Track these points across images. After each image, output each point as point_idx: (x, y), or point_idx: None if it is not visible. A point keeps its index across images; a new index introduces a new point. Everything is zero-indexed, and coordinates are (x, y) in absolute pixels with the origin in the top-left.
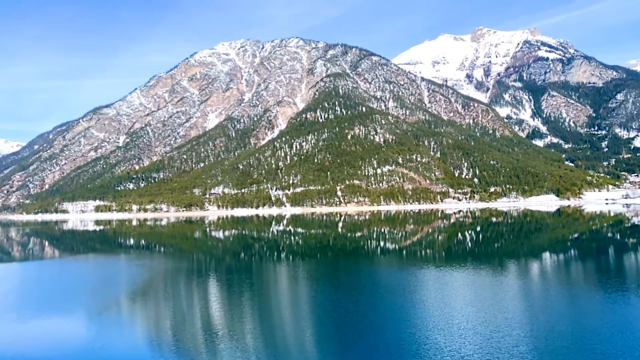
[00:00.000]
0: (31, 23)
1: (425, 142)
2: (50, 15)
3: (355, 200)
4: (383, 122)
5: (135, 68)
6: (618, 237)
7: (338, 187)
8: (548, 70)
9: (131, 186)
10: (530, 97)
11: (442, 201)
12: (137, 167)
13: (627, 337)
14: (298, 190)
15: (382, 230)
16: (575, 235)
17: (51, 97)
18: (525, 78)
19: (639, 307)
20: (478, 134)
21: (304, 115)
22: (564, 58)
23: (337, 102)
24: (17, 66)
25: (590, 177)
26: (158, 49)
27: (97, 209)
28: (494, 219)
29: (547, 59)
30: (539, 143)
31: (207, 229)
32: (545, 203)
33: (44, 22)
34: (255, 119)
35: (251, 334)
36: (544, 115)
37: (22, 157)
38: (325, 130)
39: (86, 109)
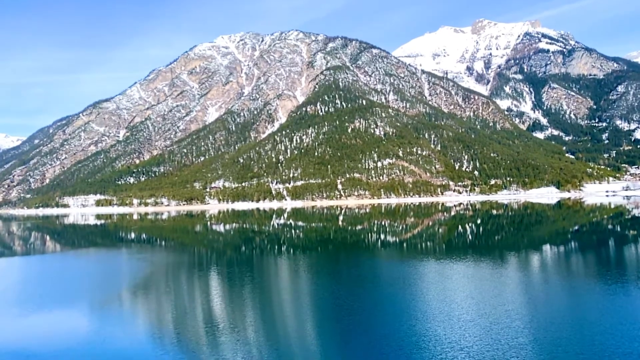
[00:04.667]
0: (30, 17)
1: (426, 135)
2: (49, 9)
3: (356, 193)
4: (383, 115)
5: (135, 62)
6: (618, 229)
7: (338, 181)
8: (549, 62)
9: (132, 180)
10: (531, 89)
11: (442, 194)
12: (137, 161)
13: (626, 328)
14: (298, 183)
15: (383, 223)
16: (576, 227)
17: (51, 91)
18: (525, 70)
19: (638, 299)
20: (478, 126)
21: (304, 109)
22: (564, 50)
23: (337, 95)
24: (16, 60)
25: (590, 169)
26: (157, 43)
27: (98, 203)
28: (494, 212)
29: (548, 50)
30: (540, 135)
31: (208, 223)
32: (546, 195)
33: (43, 16)
34: (256, 112)
35: (252, 327)
36: (545, 108)
37: (22, 152)
38: (326, 123)
39: (86, 103)
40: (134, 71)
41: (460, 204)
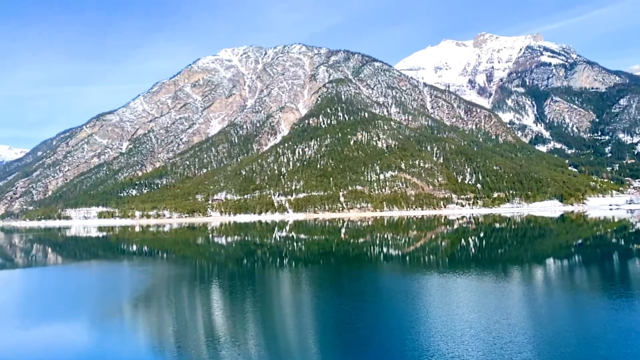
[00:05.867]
0: (34, 29)
1: (428, 148)
2: (53, 22)
3: (358, 206)
4: (385, 127)
5: (138, 74)
6: (622, 243)
7: (341, 193)
8: (551, 75)
9: (134, 192)
10: (533, 102)
11: (445, 207)
12: (140, 174)
13: (630, 344)
14: (301, 196)
15: (385, 236)
16: (579, 241)
17: (54, 104)
18: (527, 83)
19: None
20: (481, 139)
21: (306, 121)
22: (566, 63)
23: (339, 108)
24: (20, 72)
25: (593, 183)
26: (161, 56)
27: (100, 215)
28: (497, 225)
29: (550, 64)
30: (542, 148)
31: (210, 235)
32: (549, 209)
33: (47, 29)
34: (258, 124)
35: (254, 340)
36: (547, 121)
37: (25, 164)
38: (328, 135)
39: (89, 116)
40: (138, 84)
41: (463, 217)
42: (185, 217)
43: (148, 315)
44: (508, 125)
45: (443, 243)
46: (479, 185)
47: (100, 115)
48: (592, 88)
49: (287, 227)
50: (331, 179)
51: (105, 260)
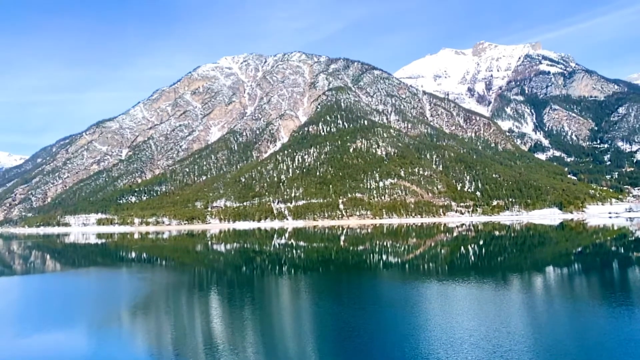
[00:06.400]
0: (35, 36)
1: (427, 156)
2: (54, 29)
3: (357, 213)
4: (385, 135)
5: (139, 82)
6: (622, 250)
7: (340, 200)
8: (549, 84)
9: (133, 199)
10: (532, 110)
11: (444, 215)
12: (139, 180)
13: (630, 352)
14: (300, 203)
15: (385, 243)
16: (579, 249)
17: (55, 110)
18: (526, 92)
19: None
20: (480, 147)
21: (306, 129)
22: (565, 72)
23: (339, 116)
24: (21, 79)
25: (593, 191)
26: (161, 63)
27: (99, 222)
28: (496, 233)
29: (549, 72)
30: (541, 156)
31: (209, 243)
32: (548, 216)
33: (48, 36)
34: (258, 132)
35: (253, 349)
36: (546, 129)
37: (25, 170)
38: (328, 143)
39: (89, 122)
40: (138, 91)
41: (462, 224)
42: (185, 224)
43: (147, 323)
44: (507, 133)
45: (442, 251)
46: (478, 193)
47: (100, 122)
48: (591, 96)
49: (286, 235)
50: (330, 186)
51: (104, 268)
